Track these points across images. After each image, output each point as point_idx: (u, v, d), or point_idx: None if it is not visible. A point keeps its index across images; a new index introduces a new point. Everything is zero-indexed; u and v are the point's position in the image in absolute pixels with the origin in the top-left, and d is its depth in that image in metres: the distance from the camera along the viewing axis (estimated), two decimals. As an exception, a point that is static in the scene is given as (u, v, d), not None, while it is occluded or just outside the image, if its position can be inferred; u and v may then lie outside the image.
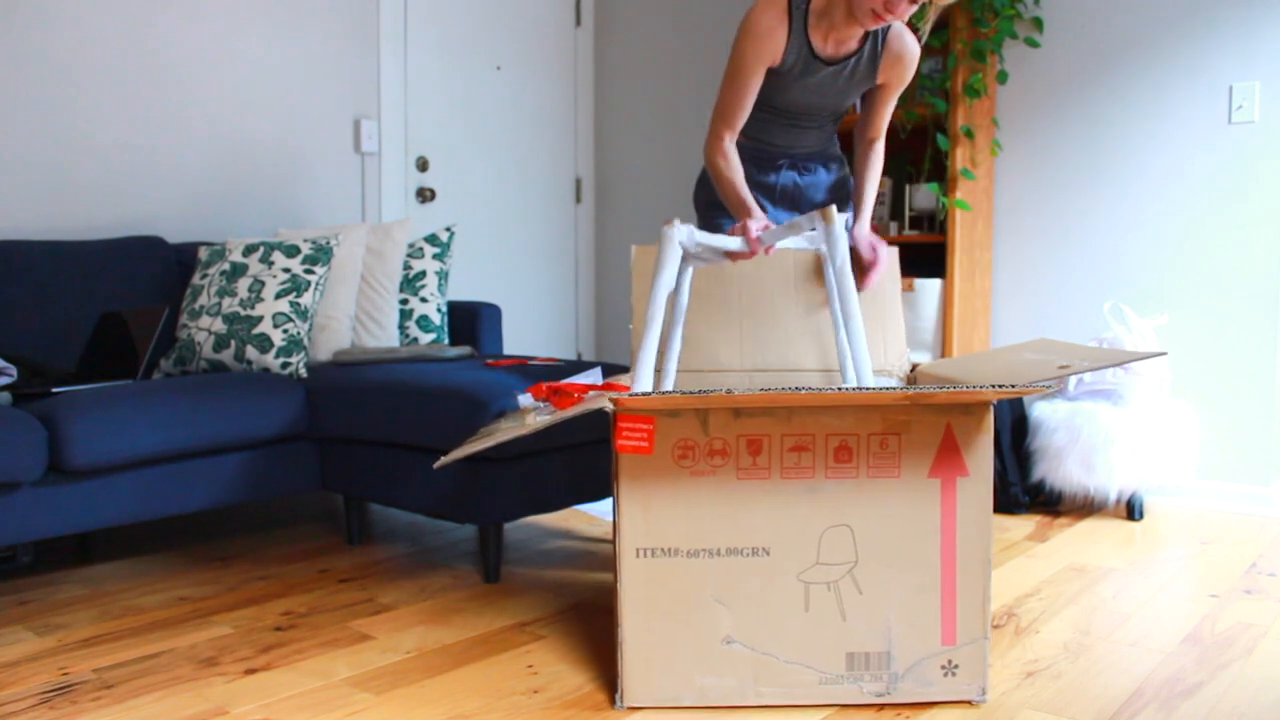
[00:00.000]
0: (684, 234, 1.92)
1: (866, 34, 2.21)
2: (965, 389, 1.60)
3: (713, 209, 2.45)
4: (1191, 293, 3.18)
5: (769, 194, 2.42)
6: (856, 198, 2.40)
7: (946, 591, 1.71)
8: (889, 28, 2.23)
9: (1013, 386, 1.60)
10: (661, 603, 1.69)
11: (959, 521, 1.70)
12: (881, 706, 1.73)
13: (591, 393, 1.80)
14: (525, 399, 2.01)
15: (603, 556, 2.66)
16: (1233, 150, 3.10)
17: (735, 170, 2.26)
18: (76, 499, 2.23)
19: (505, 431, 1.72)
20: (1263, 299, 3.06)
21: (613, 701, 1.75)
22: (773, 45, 2.17)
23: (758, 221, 2.06)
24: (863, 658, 1.71)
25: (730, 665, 1.71)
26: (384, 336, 3.07)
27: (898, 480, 1.68)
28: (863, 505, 1.69)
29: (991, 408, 1.70)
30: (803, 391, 1.56)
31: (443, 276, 3.23)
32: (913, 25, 2.26)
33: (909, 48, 2.25)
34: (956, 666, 1.72)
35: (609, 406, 1.65)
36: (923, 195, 3.38)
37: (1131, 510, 3.05)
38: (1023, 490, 3.10)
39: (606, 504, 3.18)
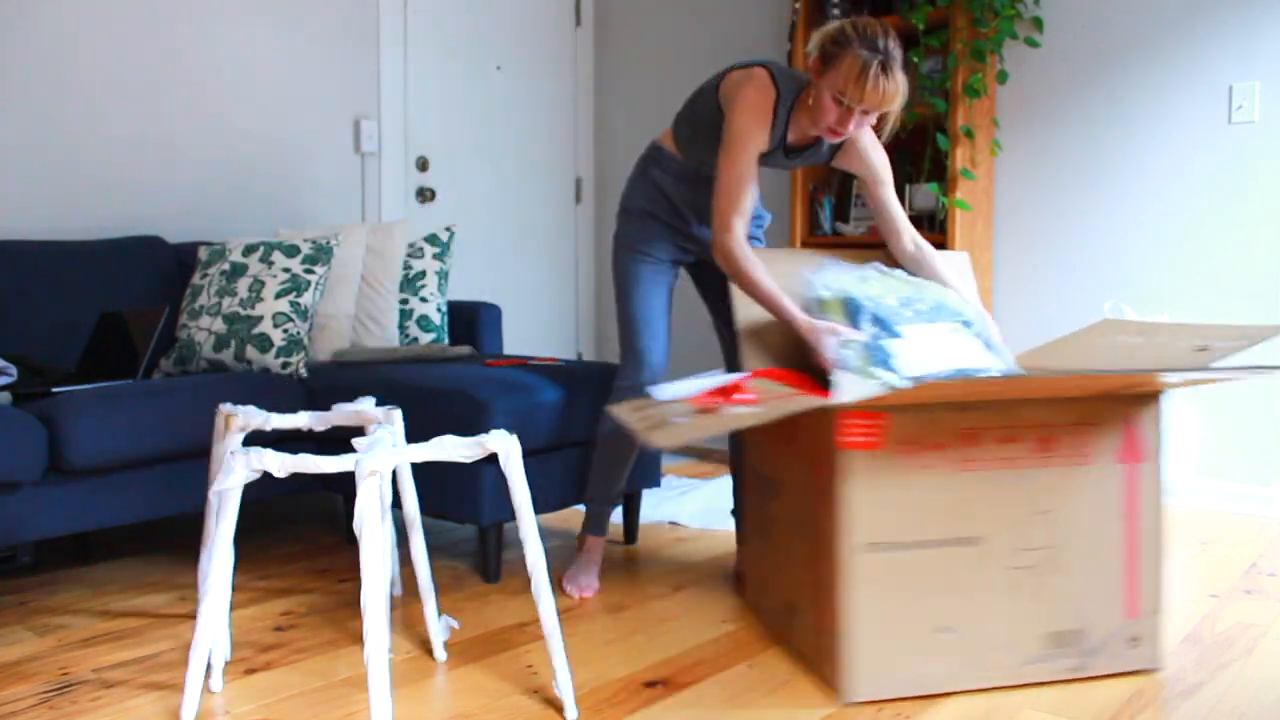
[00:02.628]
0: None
1: None
2: (1144, 375, 1.68)
3: (647, 218, 2.34)
4: (1191, 293, 3.18)
5: (699, 212, 2.33)
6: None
7: (1128, 569, 1.85)
8: None
9: (1200, 370, 1.64)
10: (882, 596, 1.74)
11: (1140, 502, 1.85)
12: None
13: (753, 384, 1.84)
14: (676, 389, 2.01)
15: (602, 556, 2.66)
16: (1233, 150, 3.10)
17: (758, 266, 2.07)
18: (76, 499, 2.23)
19: (698, 426, 1.67)
20: (1263, 299, 3.06)
21: (839, 696, 1.76)
22: (766, 131, 2.10)
23: (829, 335, 1.94)
24: (1061, 636, 1.82)
25: (942, 653, 1.78)
26: (384, 336, 3.07)
27: (1089, 466, 1.81)
28: (1061, 491, 1.80)
29: (1160, 397, 1.84)
30: (1031, 376, 1.65)
31: (443, 276, 3.23)
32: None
33: (873, 144, 2.24)
34: (1138, 639, 1.86)
35: (840, 401, 1.65)
36: (923, 195, 3.38)
37: (1131, 510, 3.04)
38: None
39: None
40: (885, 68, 1.96)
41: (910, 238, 2.27)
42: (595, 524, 2.45)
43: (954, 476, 1.75)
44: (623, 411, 1.92)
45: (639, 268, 2.32)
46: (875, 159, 2.26)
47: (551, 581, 2.44)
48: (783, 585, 2.01)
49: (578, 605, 2.28)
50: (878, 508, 1.73)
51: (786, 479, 1.96)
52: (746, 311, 2.16)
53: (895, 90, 1.99)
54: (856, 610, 1.73)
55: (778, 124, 2.13)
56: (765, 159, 2.22)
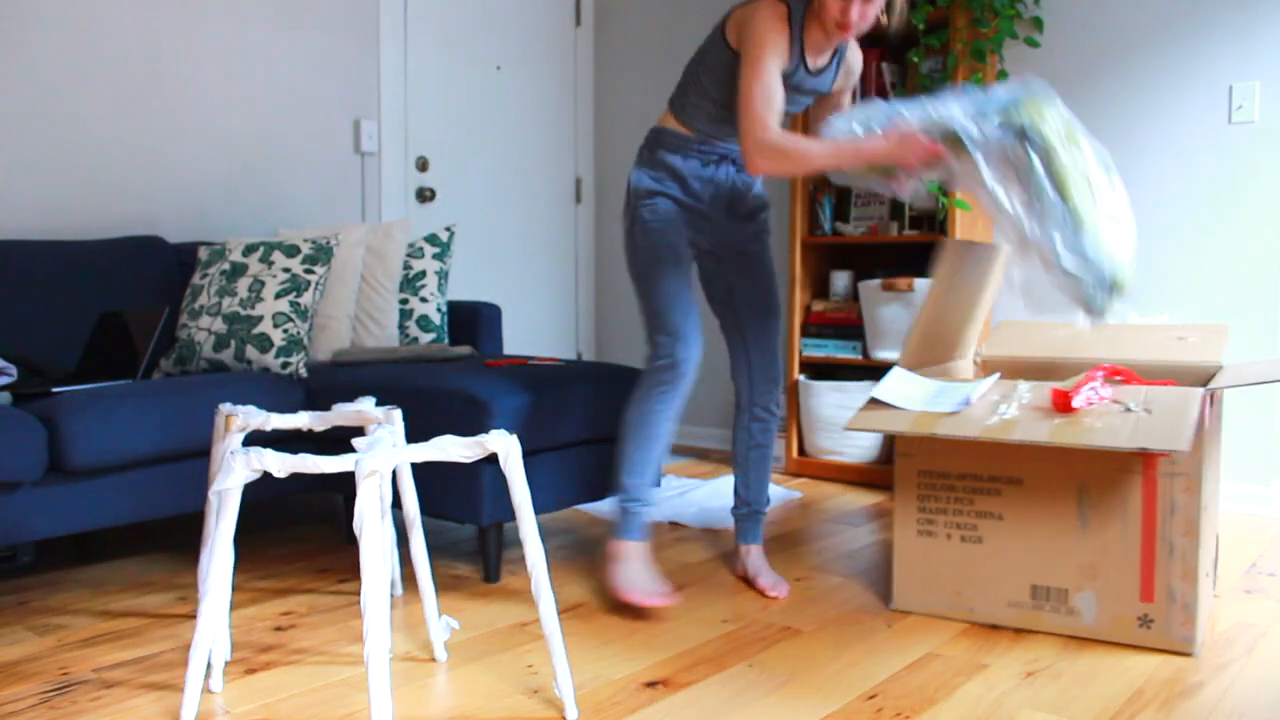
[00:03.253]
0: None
1: (835, 49, 2.28)
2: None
3: (657, 197, 2.31)
4: (1191, 293, 3.18)
5: (711, 186, 2.32)
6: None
7: None
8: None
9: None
10: (1203, 553, 2.04)
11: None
12: (874, 696, 1.74)
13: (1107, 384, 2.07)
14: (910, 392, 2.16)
15: (600, 556, 2.66)
16: (1233, 150, 3.10)
17: (803, 140, 2.04)
18: (76, 499, 2.23)
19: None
20: (1262, 299, 3.06)
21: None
22: (785, 45, 2.14)
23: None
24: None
25: (1206, 594, 2.10)
26: (384, 336, 3.07)
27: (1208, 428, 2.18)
28: (1208, 444, 2.12)
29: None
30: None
31: (443, 276, 3.23)
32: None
33: (858, 56, 2.38)
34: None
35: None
36: (923, 195, 3.38)
37: (1131, 510, 3.05)
38: (1023, 490, 3.10)
39: (606, 504, 3.18)
40: None
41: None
42: (629, 526, 2.26)
43: (1199, 440, 2.05)
44: (874, 422, 2.09)
45: (656, 247, 2.25)
46: (858, 62, 2.39)
47: (551, 581, 2.44)
48: (1024, 573, 2.13)
49: (578, 605, 2.28)
50: (1202, 475, 2.00)
51: (1029, 472, 2.11)
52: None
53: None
54: (1203, 568, 2.02)
55: (794, 40, 2.15)
56: (791, 84, 2.23)
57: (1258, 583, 2.43)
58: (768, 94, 2.07)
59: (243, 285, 2.76)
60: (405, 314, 3.16)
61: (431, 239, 3.26)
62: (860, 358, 3.52)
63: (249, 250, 2.84)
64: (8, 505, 2.13)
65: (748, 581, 2.42)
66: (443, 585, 2.43)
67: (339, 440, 2.63)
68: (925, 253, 3.44)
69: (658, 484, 2.37)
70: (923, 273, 3.42)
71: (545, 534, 2.88)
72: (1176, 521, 1.97)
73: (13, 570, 2.53)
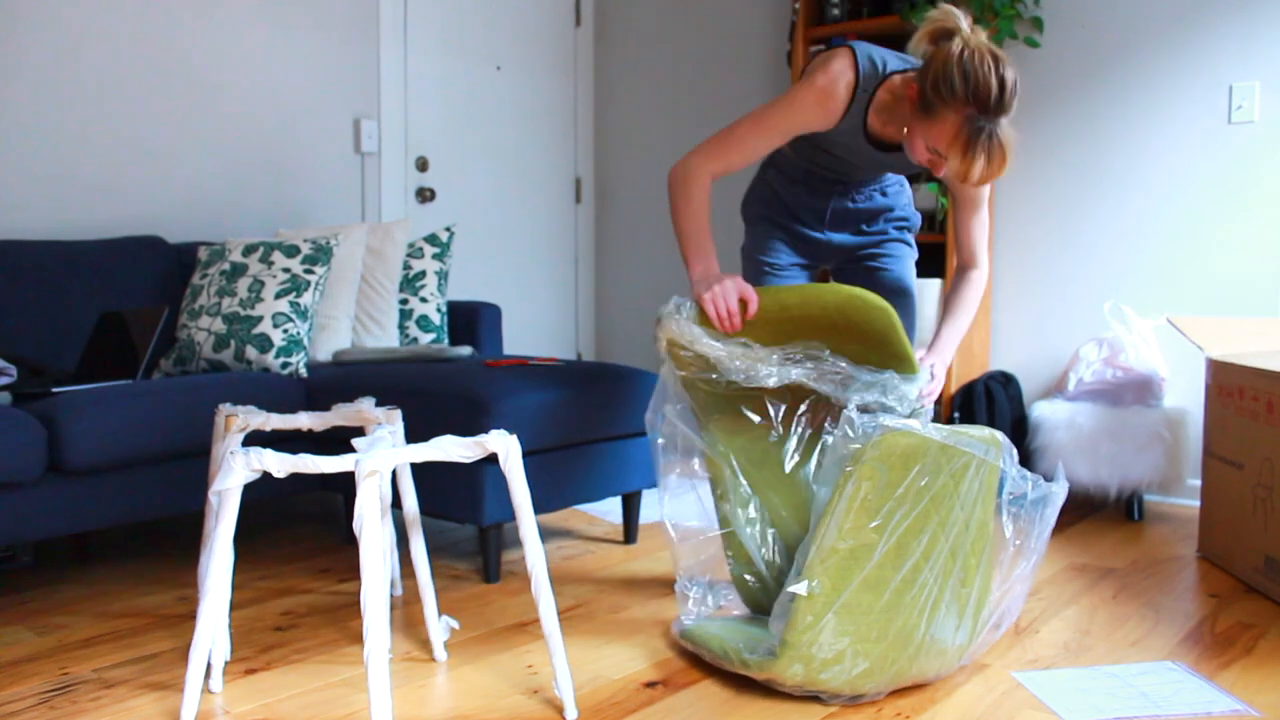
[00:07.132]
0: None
1: None
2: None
3: (763, 223, 2.27)
4: (1191, 292, 3.18)
5: (818, 216, 2.22)
6: (935, 336, 2.12)
7: None
8: None
9: None
10: None
11: None
12: (872, 702, 1.74)
13: None
14: None
15: (602, 555, 2.66)
16: (1233, 150, 3.10)
17: (701, 206, 1.96)
18: (76, 499, 2.23)
19: None
20: (1262, 298, 3.06)
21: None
22: (827, 117, 1.94)
23: (723, 283, 1.87)
24: (1272, 561, 2.31)
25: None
26: (384, 336, 3.07)
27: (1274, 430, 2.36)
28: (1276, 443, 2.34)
29: None
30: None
31: (443, 276, 3.23)
32: None
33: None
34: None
35: None
36: (923, 195, 3.38)
37: (1131, 510, 3.05)
38: (1023, 490, 3.10)
39: (606, 504, 3.18)
40: (994, 136, 1.74)
41: (964, 264, 2.15)
42: None
43: (1260, 427, 2.33)
44: None
45: (758, 280, 2.24)
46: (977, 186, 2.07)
47: (551, 581, 2.44)
48: (1260, 543, 2.36)
49: (577, 605, 2.28)
50: None
51: (1252, 458, 2.40)
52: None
53: (1000, 163, 1.77)
54: None
55: (852, 112, 1.96)
56: (842, 144, 2.04)
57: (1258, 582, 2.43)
58: (731, 140, 1.96)
59: (242, 285, 2.76)
60: (405, 314, 3.16)
61: (431, 239, 3.26)
62: (860, 358, 3.52)
63: (249, 250, 2.84)
64: (8, 505, 2.13)
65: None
66: (443, 585, 2.43)
67: (339, 440, 2.63)
68: (925, 252, 3.44)
69: None
70: (923, 272, 3.42)
71: (545, 534, 2.89)
72: None
73: (13, 570, 2.53)
